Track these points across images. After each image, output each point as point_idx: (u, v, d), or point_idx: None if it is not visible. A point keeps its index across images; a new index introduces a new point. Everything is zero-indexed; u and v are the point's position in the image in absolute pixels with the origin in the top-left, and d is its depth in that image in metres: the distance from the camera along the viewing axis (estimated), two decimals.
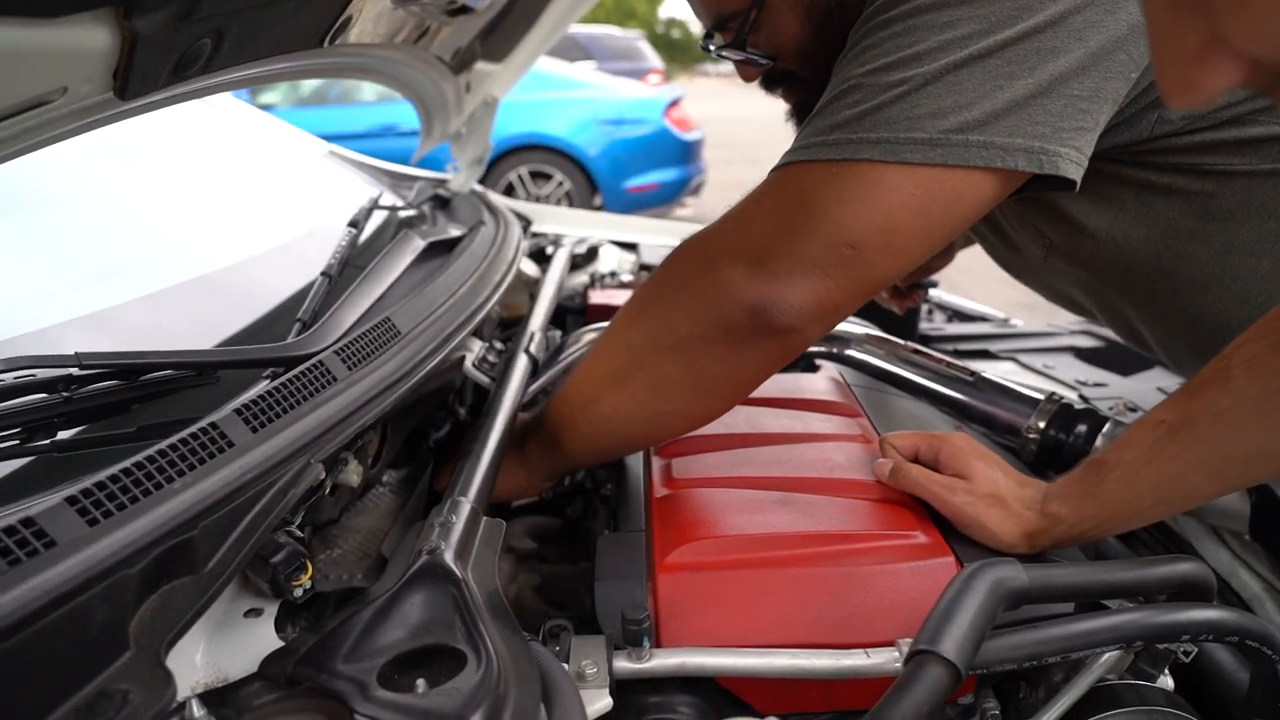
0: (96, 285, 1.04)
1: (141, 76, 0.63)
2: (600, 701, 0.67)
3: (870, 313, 1.68)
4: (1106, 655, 0.75)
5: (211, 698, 0.61)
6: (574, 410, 0.96)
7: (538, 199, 6.60)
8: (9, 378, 0.69)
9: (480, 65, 1.70)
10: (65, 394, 0.72)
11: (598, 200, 6.80)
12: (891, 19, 0.79)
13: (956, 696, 0.81)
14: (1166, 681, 0.81)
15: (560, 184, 6.81)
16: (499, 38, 1.63)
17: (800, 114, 1.06)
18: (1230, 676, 0.90)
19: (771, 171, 0.86)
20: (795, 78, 1.02)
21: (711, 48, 1.02)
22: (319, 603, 0.78)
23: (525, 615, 0.90)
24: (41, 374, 0.71)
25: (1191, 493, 0.83)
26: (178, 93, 0.72)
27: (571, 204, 6.60)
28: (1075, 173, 0.78)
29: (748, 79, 1.04)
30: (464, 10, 1.20)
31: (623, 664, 0.71)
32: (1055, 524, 0.85)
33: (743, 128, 15.10)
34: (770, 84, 1.05)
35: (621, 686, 0.72)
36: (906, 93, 0.76)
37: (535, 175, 6.81)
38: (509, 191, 6.54)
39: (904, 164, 0.76)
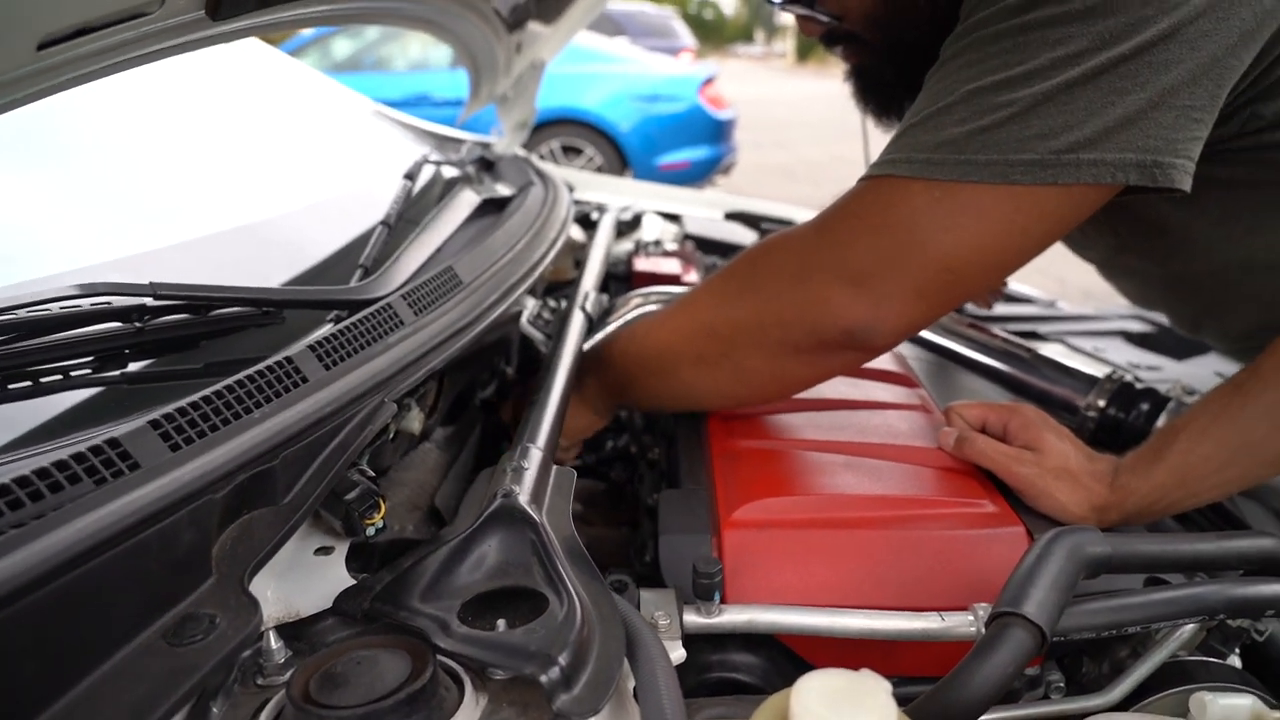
0: (147, 229, 1.04)
1: None
2: (675, 653, 0.65)
3: None
4: (1182, 629, 0.73)
5: (286, 630, 0.60)
6: (647, 374, 0.99)
7: None
8: (86, 304, 0.69)
9: (533, 25, 1.69)
10: (138, 324, 0.72)
11: (628, 176, 6.76)
12: (1001, 32, 0.76)
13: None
14: (1235, 661, 0.79)
15: (591, 159, 6.75)
16: None
17: (859, 76, 1.04)
18: None
19: (867, 178, 0.83)
20: (857, 39, 0.99)
21: (775, 0, 1.00)
22: (366, 553, 0.77)
23: None
24: (116, 303, 0.71)
25: (1259, 447, 0.82)
26: (263, 21, 0.70)
27: None
28: (1186, 182, 0.75)
29: (808, 34, 1.02)
30: None
31: (693, 618, 0.70)
32: (1125, 497, 0.84)
33: (773, 110, 15.00)
34: (830, 41, 1.03)
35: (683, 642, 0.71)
36: (1017, 113, 0.73)
37: (566, 150, 6.76)
38: None
39: (1011, 185, 0.74)
